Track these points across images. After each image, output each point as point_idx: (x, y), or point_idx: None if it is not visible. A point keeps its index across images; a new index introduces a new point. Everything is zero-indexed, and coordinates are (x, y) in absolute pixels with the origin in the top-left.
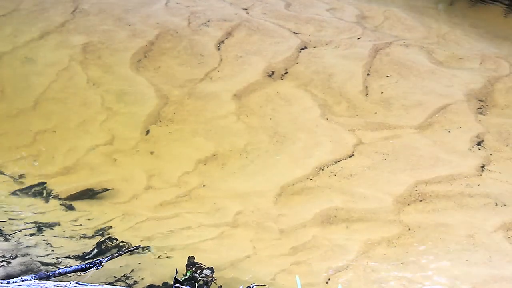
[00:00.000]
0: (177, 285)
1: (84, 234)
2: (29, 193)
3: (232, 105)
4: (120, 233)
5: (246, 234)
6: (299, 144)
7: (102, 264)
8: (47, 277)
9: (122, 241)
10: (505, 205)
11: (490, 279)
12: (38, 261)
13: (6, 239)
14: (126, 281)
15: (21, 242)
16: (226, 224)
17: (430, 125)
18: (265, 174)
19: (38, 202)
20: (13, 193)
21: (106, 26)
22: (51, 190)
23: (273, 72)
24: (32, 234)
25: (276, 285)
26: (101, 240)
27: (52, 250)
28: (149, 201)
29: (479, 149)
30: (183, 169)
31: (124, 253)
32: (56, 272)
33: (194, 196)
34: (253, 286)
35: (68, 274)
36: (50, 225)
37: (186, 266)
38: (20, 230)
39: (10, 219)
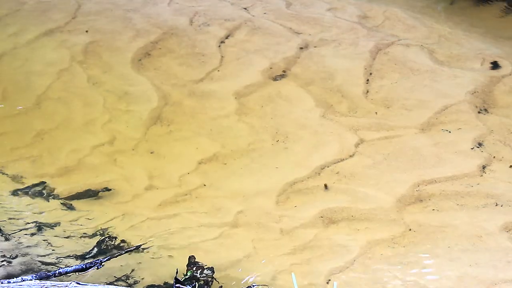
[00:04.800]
0: (177, 285)
1: (84, 233)
2: (29, 192)
3: (233, 105)
4: (121, 232)
5: (246, 234)
6: (300, 143)
7: (103, 263)
8: (47, 277)
9: (122, 241)
10: (506, 205)
11: (492, 279)
12: (39, 261)
13: (7, 239)
14: (127, 280)
15: (21, 241)
16: (227, 224)
17: (431, 125)
18: (266, 174)
19: (38, 201)
20: (14, 193)
21: (108, 26)
22: (52, 190)
23: (274, 72)
24: (32, 234)
25: (276, 285)
26: (102, 239)
27: (53, 250)
28: (150, 201)
29: (480, 149)
30: (184, 169)
31: (125, 252)
32: (57, 272)
33: (195, 196)
34: (253, 286)
35: (68, 274)
36: (51, 225)
37: (186, 265)
38: (20, 230)
39: (10, 218)
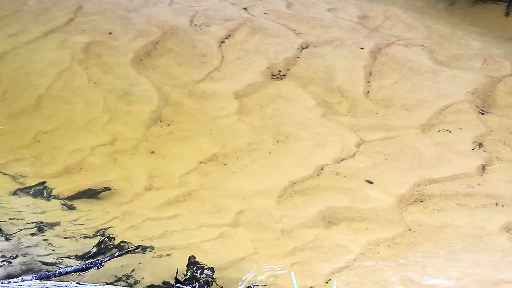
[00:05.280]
0: (177, 285)
1: (84, 234)
2: (29, 192)
3: (233, 105)
4: (121, 233)
5: (247, 234)
6: (301, 144)
7: (103, 263)
8: (47, 277)
9: (122, 241)
10: (506, 205)
11: (492, 279)
12: (39, 261)
13: (7, 239)
14: (127, 280)
15: (21, 242)
16: (227, 224)
17: (431, 125)
18: (267, 174)
19: (38, 202)
20: (14, 193)
21: (108, 26)
22: (52, 190)
23: (274, 72)
24: (32, 234)
25: (276, 285)
26: (102, 240)
27: (53, 250)
28: (150, 201)
29: (481, 149)
30: (184, 169)
31: (125, 252)
32: (57, 272)
33: (195, 196)
34: (253, 286)
35: (68, 274)
36: (51, 225)
37: (186, 265)
38: (20, 230)
39: (10, 219)
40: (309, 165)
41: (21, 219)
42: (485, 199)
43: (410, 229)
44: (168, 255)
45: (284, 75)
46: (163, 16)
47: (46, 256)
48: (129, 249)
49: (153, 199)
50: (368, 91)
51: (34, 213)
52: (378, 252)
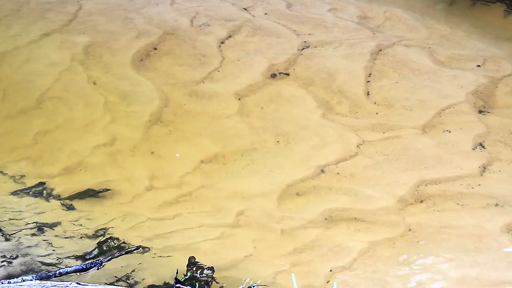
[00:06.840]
0: (178, 285)
1: (85, 234)
2: (30, 193)
3: (233, 106)
4: (121, 233)
5: (247, 234)
6: (301, 144)
7: (103, 264)
8: (47, 277)
9: (123, 241)
10: (507, 206)
11: (493, 280)
12: (39, 261)
13: (7, 239)
14: (127, 281)
15: (22, 242)
16: (228, 224)
17: (431, 126)
18: (267, 174)
19: (39, 202)
20: (14, 193)
21: (109, 26)
22: (52, 190)
23: (274, 72)
24: (33, 234)
25: (276, 285)
26: (102, 240)
27: (53, 250)
28: (150, 201)
29: (481, 149)
30: (184, 169)
31: (125, 253)
32: (57, 272)
33: (196, 196)
34: (253, 286)
35: (69, 274)
36: (51, 225)
37: (187, 266)
38: (21, 230)
39: (11, 219)
40: (310, 166)
41: (21, 219)
42: (486, 199)
43: (410, 230)
44: (168, 255)
45: (285, 75)
46: (164, 16)
47: (46, 256)
48: (129, 249)
49: (153, 199)
50: (369, 92)
51: (34, 213)
52: (378, 253)
